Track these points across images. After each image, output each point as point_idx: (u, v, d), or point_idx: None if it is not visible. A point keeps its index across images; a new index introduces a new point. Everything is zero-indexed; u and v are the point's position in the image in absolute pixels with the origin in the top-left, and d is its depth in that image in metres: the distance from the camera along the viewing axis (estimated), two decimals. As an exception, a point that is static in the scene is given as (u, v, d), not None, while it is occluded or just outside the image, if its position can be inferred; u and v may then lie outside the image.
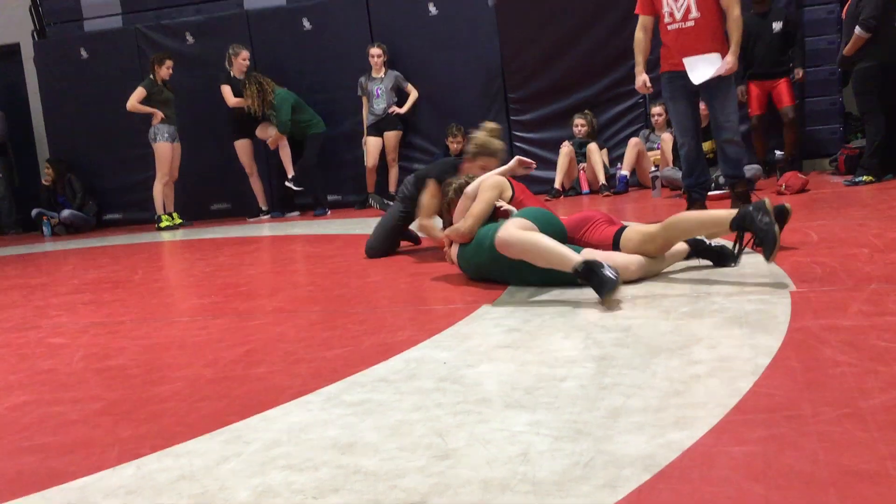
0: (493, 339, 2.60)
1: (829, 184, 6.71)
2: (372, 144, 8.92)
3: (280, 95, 8.76)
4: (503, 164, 4.04)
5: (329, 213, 9.01)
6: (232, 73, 8.96)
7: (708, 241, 3.50)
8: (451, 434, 1.79)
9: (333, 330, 2.98)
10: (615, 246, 3.43)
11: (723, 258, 3.46)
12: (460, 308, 3.13)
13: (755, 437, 1.61)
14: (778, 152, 7.33)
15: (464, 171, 4.36)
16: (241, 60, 8.92)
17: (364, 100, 8.97)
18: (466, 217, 3.66)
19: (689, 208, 5.00)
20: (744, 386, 1.91)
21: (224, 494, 1.59)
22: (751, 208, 3.09)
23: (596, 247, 3.47)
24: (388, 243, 4.95)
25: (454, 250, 3.79)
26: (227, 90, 8.94)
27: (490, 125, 4.48)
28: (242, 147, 9.13)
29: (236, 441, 1.89)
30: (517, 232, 3.18)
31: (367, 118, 8.95)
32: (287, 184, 9.11)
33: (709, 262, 3.51)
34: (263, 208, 9.33)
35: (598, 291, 2.89)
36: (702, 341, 2.33)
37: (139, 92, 8.73)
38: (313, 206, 9.13)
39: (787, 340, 2.25)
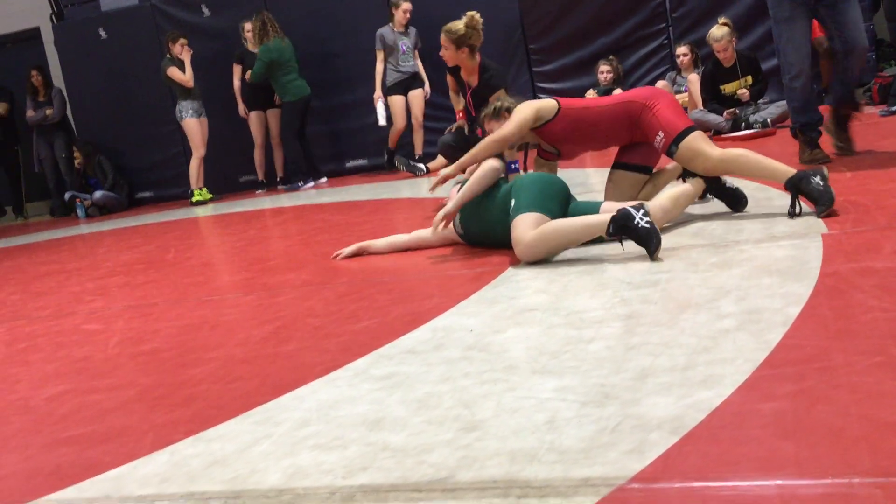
0: (520, 303, 2.59)
1: (863, 114, 6.52)
2: (398, 104, 8.39)
3: (263, 49, 8.51)
4: None
5: (305, 186, 8.79)
6: (249, 49, 8.89)
7: (724, 181, 3.42)
8: (478, 404, 1.79)
9: (361, 301, 2.99)
10: (671, 151, 3.35)
11: (738, 201, 3.40)
12: (487, 271, 3.11)
13: (784, 392, 1.59)
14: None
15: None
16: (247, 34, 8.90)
17: (380, 54, 8.39)
18: (500, 130, 3.54)
19: (811, 151, 4.44)
20: (773, 338, 1.88)
21: (255, 478, 1.61)
22: (809, 172, 3.08)
23: (660, 124, 3.38)
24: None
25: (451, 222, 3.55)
26: (237, 69, 8.96)
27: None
28: (254, 119, 9.15)
29: (267, 422, 1.91)
30: (533, 239, 3.04)
31: (388, 75, 8.43)
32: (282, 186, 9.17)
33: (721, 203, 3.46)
34: (260, 180, 9.30)
35: (644, 246, 2.81)
36: (731, 293, 2.29)
37: (175, 71, 8.77)
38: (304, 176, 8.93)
39: (819, 287, 2.20)
